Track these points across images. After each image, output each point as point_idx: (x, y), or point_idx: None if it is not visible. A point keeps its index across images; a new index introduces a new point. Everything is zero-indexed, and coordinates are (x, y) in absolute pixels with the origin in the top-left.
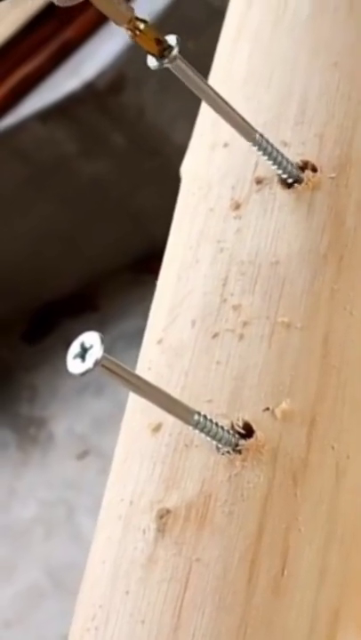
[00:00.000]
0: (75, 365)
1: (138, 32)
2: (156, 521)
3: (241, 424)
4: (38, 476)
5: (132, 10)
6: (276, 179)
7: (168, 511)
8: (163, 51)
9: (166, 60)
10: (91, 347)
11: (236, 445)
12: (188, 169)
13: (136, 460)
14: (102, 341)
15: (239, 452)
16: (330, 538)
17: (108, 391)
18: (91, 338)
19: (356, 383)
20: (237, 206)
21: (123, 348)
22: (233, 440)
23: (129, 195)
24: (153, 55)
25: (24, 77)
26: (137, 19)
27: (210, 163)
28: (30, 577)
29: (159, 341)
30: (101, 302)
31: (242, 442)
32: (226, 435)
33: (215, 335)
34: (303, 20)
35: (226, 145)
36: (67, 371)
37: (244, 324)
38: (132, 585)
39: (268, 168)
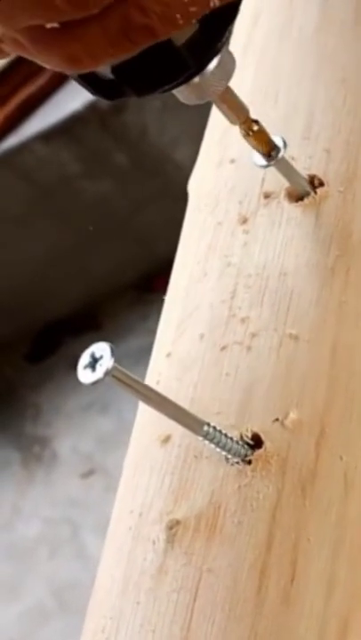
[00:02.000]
0: (85, 375)
1: (251, 132)
2: (166, 532)
3: (250, 435)
4: (42, 494)
5: (247, 111)
6: (283, 193)
7: (178, 522)
8: (271, 151)
9: (273, 162)
10: (101, 357)
11: (246, 456)
12: (195, 185)
13: (145, 472)
14: (112, 352)
15: (248, 462)
16: (338, 547)
17: (112, 409)
18: (101, 348)
19: None
20: (245, 220)
21: (127, 367)
22: (242, 451)
23: (132, 214)
24: (261, 154)
25: (27, 98)
26: (251, 120)
27: (217, 178)
28: (35, 596)
29: (168, 355)
30: (104, 321)
31: (251, 453)
32: (235, 445)
33: (224, 348)
34: (309, 35)
35: (233, 161)
36: (71, 389)
37: (253, 336)
38: (142, 595)
39: (275, 183)
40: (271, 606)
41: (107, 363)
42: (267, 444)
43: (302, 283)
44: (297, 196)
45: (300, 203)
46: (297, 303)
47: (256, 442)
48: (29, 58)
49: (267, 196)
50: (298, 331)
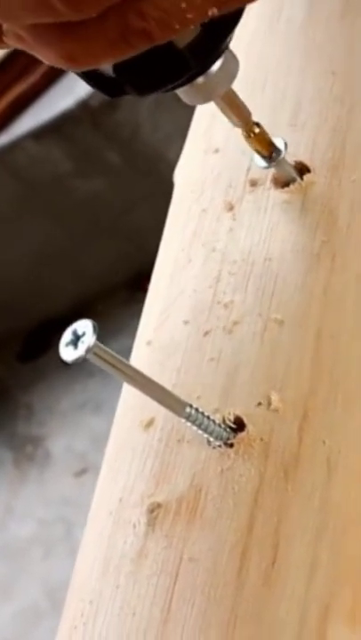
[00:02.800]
0: (67, 353)
1: (253, 134)
2: (147, 515)
3: (232, 418)
4: (36, 494)
5: (249, 113)
6: (269, 179)
7: (159, 505)
8: (271, 153)
9: (274, 163)
10: (83, 334)
11: (228, 439)
12: (181, 173)
13: (127, 456)
14: (95, 329)
15: (231, 445)
16: (321, 531)
17: (105, 408)
18: (83, 325)
19: (347, 379)
20: (231, 207)
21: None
22: (224, 434)
23: (124, 213)
24: (262, 156)
25: (18, 96)
26: (253, 122)
27: (203, 166)
28: (29, 596)
29: (149, 342)
30: (96, 320)
31: (233, 436)
32: (217, 428)
33: (207, 332)
34: (297, 26)
35: (219, 150)
36: (64, 388)
37: (237, 320)
38: (122, 579)
39: (261, 170)
40: (252, 589)
41: (89, 340)
42: (249, 427)
43: (287, 268)
44: (283, 183)
45: (286, 189)
46: (282, 288)
47: (239, 425)
48: (30, 52)
49: (253, 183)
50: (282, 315)
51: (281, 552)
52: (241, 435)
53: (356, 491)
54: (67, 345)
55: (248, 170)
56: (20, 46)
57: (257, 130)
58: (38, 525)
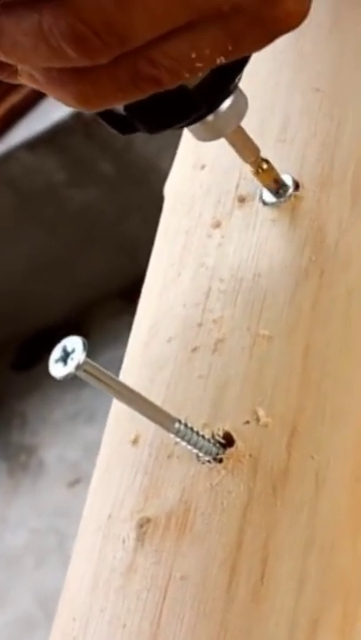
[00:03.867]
0: (57, 369)
1: (261, 170)
2: (136, 530)
3: (221, 434)
4: (29, 504)
5: (258, 150)
6: (258, 195)
7: (148, 520)
8: (279, 189)
9: (283, 199)
10: (73, 351)
11: (217, 455)
12: (171, 188)
13: (117, 471)
14: (84, 346)
15: (220, 461)
16: (309, 546)
17: (99, 418)
18: (73, 342)
19: (336, 394)
20: (219, 222)
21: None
22: (213, 449)
23: (117, 223)
24: (270, 191)
25: (12, 107)
26: (261, 159)
27: (193, 181)
28: (21, 606)
29: (140, 355)
30: (90, 330)
31: (222, 451)
32: (206, 444)
33: (196, 348)
34: (286, 41)
35: (207, 166)
36: (57, 398)
37: (226, 335)
38: (112, 593)
39: (250, 186)
40: (241, 604)
41: (78, 357)
42: (238, 442)
43: (276, 284)
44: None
45: (275, 205)
46: (270, 304)
47: (228, 441)
48: (43, 91)
49: (241, 199)
50: (271, 331)
51: (270, 567)
52: (230, 450)
53: (344, 505)
54: (56, 361)
55: (237, 186)
56: (33, 86)
57: (265, 166)
58: (31, 535)
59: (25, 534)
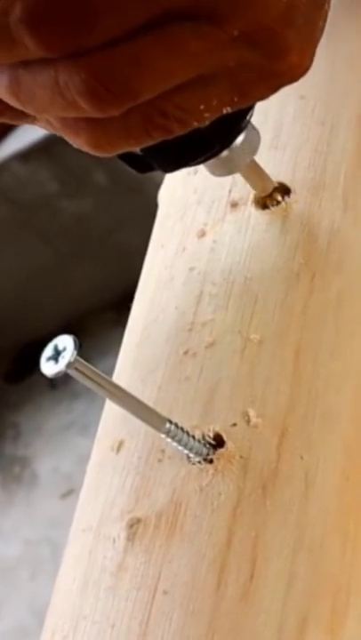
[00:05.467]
0: (48, 367)
1: (275, 203)
2: (127, 530)
3: (212, 435)
4: (22, 515)
5: (273, 183)
6: (250, 200)
7: (138, 520)
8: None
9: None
10: (64, 349)
11: (207, 455)
12: (164, 194)
13: (108, 472)
14: (76, 344)
15: (210, 462)
16: (298, 546)
17: (92, 429)
18: (64, 341)
19: (326, 396)
20: (212, 226)
21: None
22: (204, 450)
23: (111, 234)
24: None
25: None
26: (275, 189)
27: (186, 187)
28: (16, 617)
29: (133, 357)
30: (84, 340)
31: (213, 452)
32: (196, 444)
33: (187, 350)
34: None
35: (201, 171)
36: (51, 409)
37: (217, 338)
38: (102, 593)
39: (243, 191)
40: (230, 603)
41: (69, 355)
42: (229, 443)
43: (267, 287)
44: (264, 204)
45: (267, 210)
46: (262, 307)
47: (218, 441)
48: (59, 135)
49: (234, 204)
50: (262, 334)
51: (259, 566)
52: (220, 451)
53: (333, 505)
54: (47, 360)
55: (230, 191)
56: (49, 130)
57: (279, 198)
58: (25, 546)
59: (19, 545)
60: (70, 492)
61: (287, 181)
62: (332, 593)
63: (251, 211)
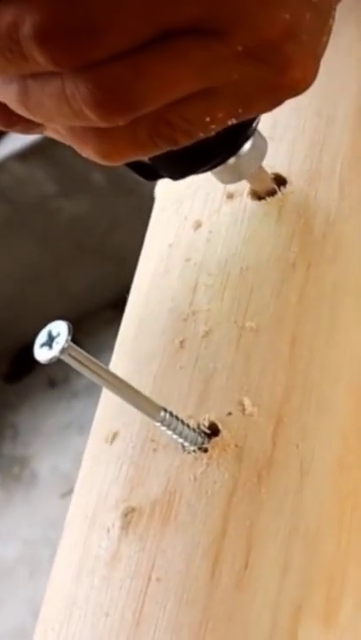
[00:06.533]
0: (41, 353)
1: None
2: (121, 519)
3: (207, 423)
4: (22, 515)
5: (274, 188)
6: (246, 191)
7: (133, 509)
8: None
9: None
10: (58, 335)
11: (202, 444)
12: (161, 188)
13: (103, 463)
14: (69, 330)
15: (205, 450)
16: (293, 535)
17: (90, 429)
18: (58, 326)
19: (321, 384)
20: (208, 217)
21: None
22: (199, 439)
23: (108, 234)
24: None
25: None
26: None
27: (182, 181)
28: (15, 617)
29: (129, 348)
30: (81, 340)
31: (207, 441)
32: (192, 433)
33: (183, 340)
34: None
35: None
36: (49, 409)
37: (212, 328)
38: (96, 582)
39: (239, 183)
40: (224, 591)
41: (62, 341)
42: (224, 432)
43: (263, 277)
44: (260, 196)
45: (263, 201)
46: (257, 297)
47: (213, 430)
48: (67, 144)
49: (230, 196)
50: (258, 323)
51: (254, 555)
52: (215, 439)
53: (328, 493)
54: (41, 346)
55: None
56: (57, 139)
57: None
58: (24, 546)
59: (18, 545)
60: (70, 492)
61: (283, 172)
62: (327, 582)
63: (246, 202)
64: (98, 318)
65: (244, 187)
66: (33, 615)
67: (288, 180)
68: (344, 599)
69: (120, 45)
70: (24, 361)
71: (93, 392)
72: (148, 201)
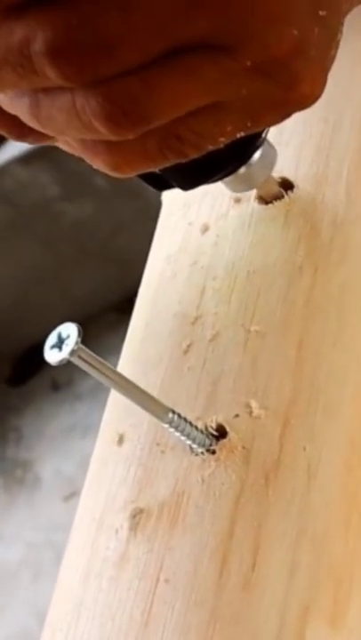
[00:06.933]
0: (51, 355)
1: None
2: (129, 520)
3: (215, 425)
4: (25, 518)
5: (281, 194)
6: (253, 196)
7: (141, 510)
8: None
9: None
10: (68, 337)
11: (210, 446)
12: (168, 193)
13: (111, 465)
14: (79, 332)
15: (213, 452)
16: (301, 536)
17: (94, 432)
18: (68, 328)
19: (328, 387)
20: (215, 221)
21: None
22: (206, 441)
23: (112, 236)
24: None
25: None
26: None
27: None
28: (19, 621)
29: (136, 352)
30: (86, 343)
31: (215, 443)
32: (199, 435)
33: (191, 344)
34: None
35: None
36: (53, 412)
37: (220, 331)
38: (104, 583)
39: None
40: (232, 592)
41: (72, 342)
42: (231, 434)
43: (270, 281)
44: (268, 200)
45: (270, 205)
46: (264, 300)
47: (221, 432)
48: (78, 156)
49: (237, 200)
50: (265, 326)
51: (261, 556)
52: (223, 441)
53: (336, 496)
54: (51, 347)
55: None
56: (68, 150)
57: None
58: (27, 549)
59: (21, 549)
60: (73, 495)
61: (290, 176)
62: (335, 583)
63: (254, 206)
64: (101, 321)
65: (251, 191)
66: (36, 618)
67: (295, 184)
68: (352, 600)
69: (131, 61)
70: (27, 364)
71: (97, 395)
72: (152, 204)
